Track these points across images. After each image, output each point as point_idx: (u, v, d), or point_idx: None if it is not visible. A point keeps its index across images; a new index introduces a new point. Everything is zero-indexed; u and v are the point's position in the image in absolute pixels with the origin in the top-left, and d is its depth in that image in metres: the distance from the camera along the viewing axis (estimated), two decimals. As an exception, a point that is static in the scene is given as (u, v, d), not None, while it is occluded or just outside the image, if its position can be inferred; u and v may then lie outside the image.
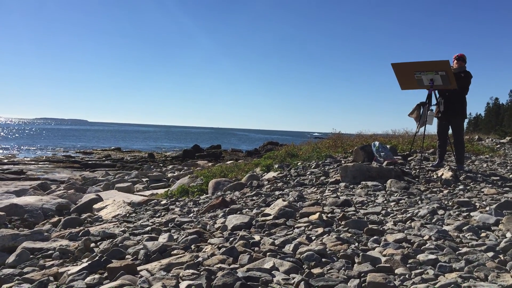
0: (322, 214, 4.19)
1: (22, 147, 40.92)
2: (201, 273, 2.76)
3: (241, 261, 3.03)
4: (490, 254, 2.90)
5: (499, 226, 3.59)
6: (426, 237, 3.39)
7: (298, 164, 8.49)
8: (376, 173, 6.37)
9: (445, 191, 5.35)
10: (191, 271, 2.81)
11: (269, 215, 4.43)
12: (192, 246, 3.56)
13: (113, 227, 5.10)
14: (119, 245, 3.74)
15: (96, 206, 7.57)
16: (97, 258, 3.23)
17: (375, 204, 4.86)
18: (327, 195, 5.53)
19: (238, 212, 4.81)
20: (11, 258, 3.95)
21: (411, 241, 3.31)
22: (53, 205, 7.88)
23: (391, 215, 4.29)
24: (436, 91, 6.78)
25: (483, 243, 3.14)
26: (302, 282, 2.53)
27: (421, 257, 2.91)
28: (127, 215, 6.27)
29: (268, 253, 3.13)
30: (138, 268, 3.07)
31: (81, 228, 5.36)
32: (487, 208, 4.24)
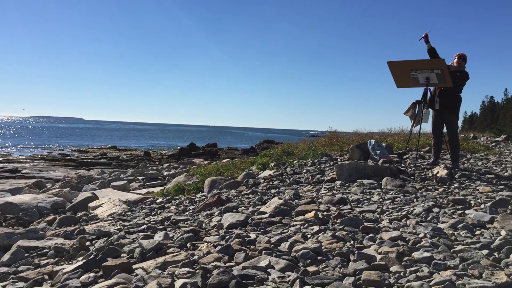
0: (318, 212, 4.20)
1: (17, 145, 40.71)
2: (197, 271, 2.75)
3: (236, 259, 3.03)
4: (485, 251, 2.92)
5: (494, 224, 3.61)
6: (421, 235, 3.40)
7: (294, 162, 8.50)
8: (371, 171, 6.38)
9: (440, 189, 5.37)
10: (187, 269, 2.81)
11: (265, 213, 4.44)
12: (188, 244, 3.56)
13: (109, 225, 5.08)
14: (115, 243, 3.73)
15: (91, 204, 7.55)
16: (92, 256, 3.22)
17: (370, 202, 4.87)
18: (323, 193, 5.54)
19: (234, 210, 4.81)
20: (6, 257, 3.93)
21: (406, 239, 3.32)
22: (48, 203, 7.85)
23: (387, 213, 4.30)
24: (431, 88, 6.81)
25: (477, 241, 3.16)
26: (298, 280, 2.54)
27: (416, 255, 2.92)
28: (123, 213, 6.26)
29: (263, 251, 3.14)
30: (134, 266, 3.06)
31: (77, 226, 5.34)
32: (482, 206, 4.27)
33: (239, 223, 4.15)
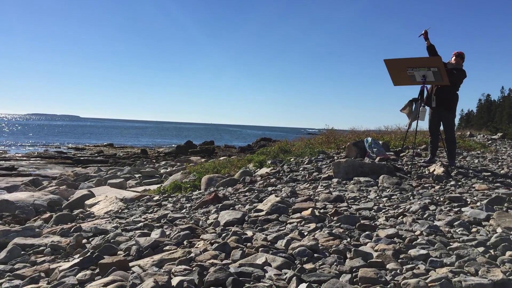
0: (315, 210, 4.20)
1: (13, 143, 40.54)
2: (194, 268, 2.75)
3: (233, 257, 3.03)
4: (481, 249, 2.92)
5: (490, 221, 3.63)
6: (417, 233, 3.41)
7: (291, 160, 8.51)
8: (368, 169, 6.39)
9: (437, 187, 5.39)
10: (183, 266, 2.81)
11: (262, 210, 4.44)
12: (185, 242, 3.56)
13: (105, 223, 5.08)
14: (111, 241, 3.72)
15: (88, 202, 7.54)
16: (88, 254, 3.21)
17: (367, 199, 4.88)
18: (319, 190, 5.54)
19: (231, 208, 4.81)
20: (2, 254, 3.91)
21: (403, 236, 3.33)
22: (45, 201, 7.82)
23: (383, 210, 4.31)
24: (428, 86, 6.83)
25: (474, 238, 3.17)
26: (294, 277, 2.54)
27: (412, 252, 2.93)
28: (120, 211, 6.25)
29: (260, 249, 3.14)
30: (130, 264, 3.05)
31: (73, 224, 5.33)
32: (478, 204, 4.28)
33: (236, 221, 4.15)
